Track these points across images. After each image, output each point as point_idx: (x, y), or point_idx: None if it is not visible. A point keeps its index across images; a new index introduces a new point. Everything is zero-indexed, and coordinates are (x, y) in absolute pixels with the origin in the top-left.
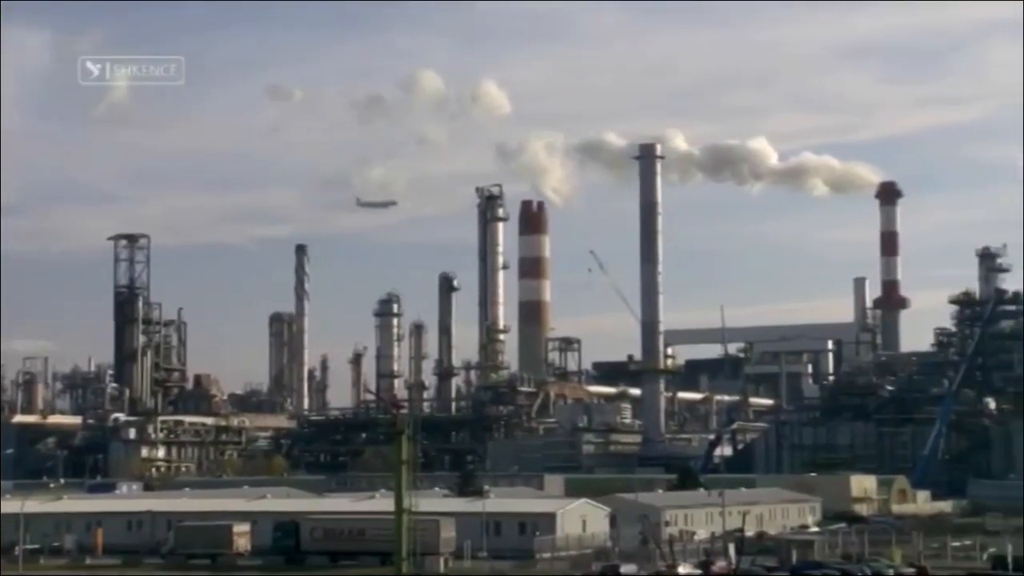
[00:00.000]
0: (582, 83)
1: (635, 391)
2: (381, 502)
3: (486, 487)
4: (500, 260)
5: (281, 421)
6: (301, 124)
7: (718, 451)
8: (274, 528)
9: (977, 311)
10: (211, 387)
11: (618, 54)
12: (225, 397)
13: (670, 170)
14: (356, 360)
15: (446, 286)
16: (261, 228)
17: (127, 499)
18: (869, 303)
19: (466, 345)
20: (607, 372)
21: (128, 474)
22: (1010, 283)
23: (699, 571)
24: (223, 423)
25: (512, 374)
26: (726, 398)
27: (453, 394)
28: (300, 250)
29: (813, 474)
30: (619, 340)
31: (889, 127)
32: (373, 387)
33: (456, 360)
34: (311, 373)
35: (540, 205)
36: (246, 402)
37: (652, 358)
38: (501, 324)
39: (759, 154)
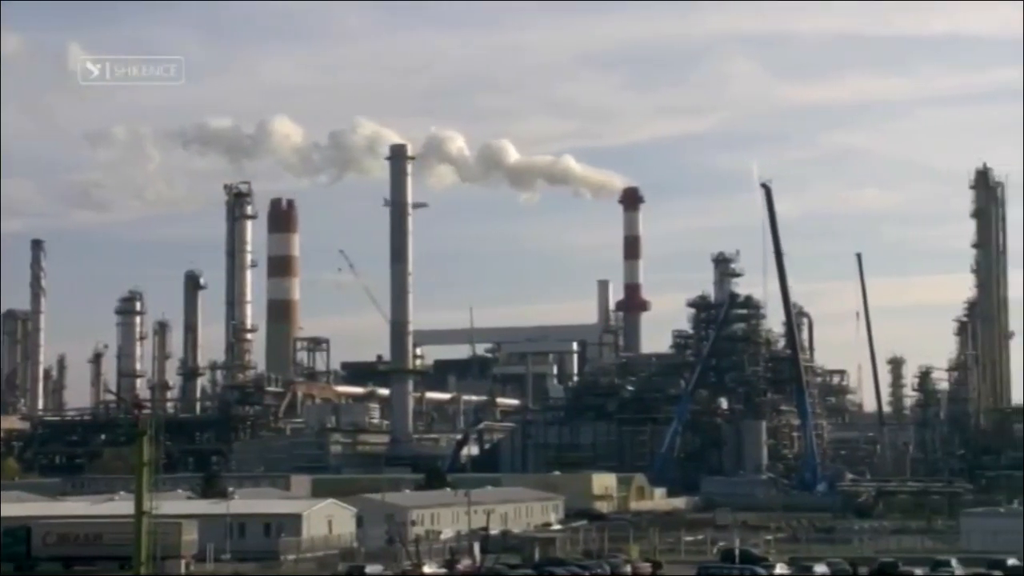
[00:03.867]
0: (332, 81)
1: (384, 391)
2: (120, 505)
3: (231, 488)
4: (248, 258)
5: (13, 422)
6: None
7: (465, 451)
8: (3, 534)
9: (712, 314)
10: None
11: (369, 53)
12: None
13: (421, 169)
14: (96, 359)
15: (192, 284)
16: None
17: None
18: (612, 305)
19: (212, 344)
20: (356, 372)
21: None
22: (743, 287)
23: (444, 570)
24: None
25: (259, 374)
26: (474, 398)
27: (198, 394)
28: (36, 245)
29: (557, 473)
30: (368, 340)
31: (632, 133)
32: (114, 387)
33: (202, 359)
34: (47, 372)
35: (290, 203)
36: None
37: (401, 358)
38: (249, 323)
39: (508, 156)
